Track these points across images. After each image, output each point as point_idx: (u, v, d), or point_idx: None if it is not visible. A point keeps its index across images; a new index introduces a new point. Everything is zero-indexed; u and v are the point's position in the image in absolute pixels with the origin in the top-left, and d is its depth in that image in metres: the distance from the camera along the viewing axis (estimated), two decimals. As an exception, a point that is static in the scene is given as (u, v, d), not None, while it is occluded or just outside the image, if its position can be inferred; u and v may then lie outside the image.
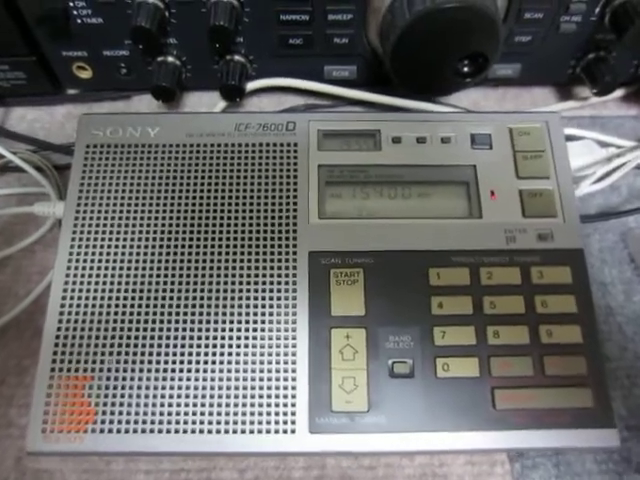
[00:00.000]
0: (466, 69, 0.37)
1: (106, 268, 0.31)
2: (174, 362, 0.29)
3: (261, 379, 0.28)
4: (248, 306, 0.30)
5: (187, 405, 0.28)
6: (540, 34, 0.38)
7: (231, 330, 0.30)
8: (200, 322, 0.30)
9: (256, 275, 0.31)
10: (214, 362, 0.29)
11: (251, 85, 0.41)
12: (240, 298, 0.30)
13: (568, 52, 0.40)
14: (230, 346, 0.30)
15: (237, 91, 0.39)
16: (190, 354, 0.29)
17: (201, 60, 0.40)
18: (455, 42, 0.34)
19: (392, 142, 0.34)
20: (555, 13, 0.37)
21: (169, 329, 0.30)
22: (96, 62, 0.39)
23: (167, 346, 0.29)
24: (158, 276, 0.31)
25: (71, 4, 0.35)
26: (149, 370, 0.29)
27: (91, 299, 0.30)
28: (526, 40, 0.39)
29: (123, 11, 0.36)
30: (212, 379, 0.28)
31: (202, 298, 0.30)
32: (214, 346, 0.29)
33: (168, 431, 0.28)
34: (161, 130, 0.34)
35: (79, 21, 0.36)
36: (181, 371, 0.29)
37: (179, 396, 0.28)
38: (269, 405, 0.28)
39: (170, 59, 0.39)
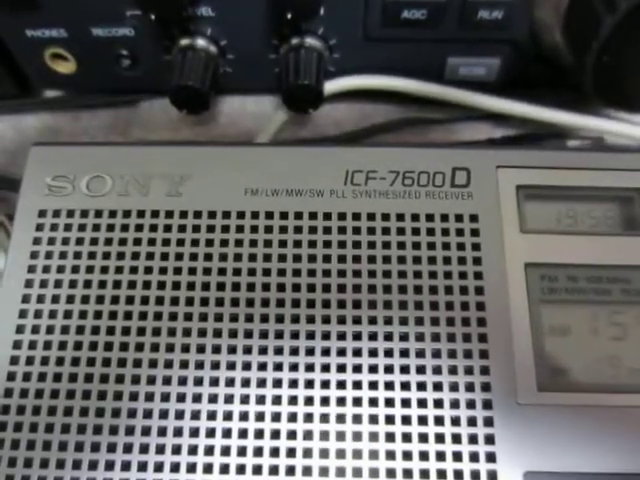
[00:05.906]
0: None
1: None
2: None
3: None
4: None
5: None
6: None
7: None
8: None
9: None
10: None
11: (333, 85, 0.29)
12: None
13: None
14: None
15: (312, 96, 0.28)
16: None
17: (251, 45, 0.29)
18: None
19: (675, 217, 0.18)
20: None
21: None
22: (81, 48, 0.30)
23: None
24: None
25: (35, -51, 0.25)
26: None
27: None
28: None
29: (122, -39, 0.25)
30: None
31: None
32: None
33: None
34: (190, 180, 0.18)
35: (50, -21, 0.26)
36: None
37: None
38: None
39: (201, 43, 0.29)
